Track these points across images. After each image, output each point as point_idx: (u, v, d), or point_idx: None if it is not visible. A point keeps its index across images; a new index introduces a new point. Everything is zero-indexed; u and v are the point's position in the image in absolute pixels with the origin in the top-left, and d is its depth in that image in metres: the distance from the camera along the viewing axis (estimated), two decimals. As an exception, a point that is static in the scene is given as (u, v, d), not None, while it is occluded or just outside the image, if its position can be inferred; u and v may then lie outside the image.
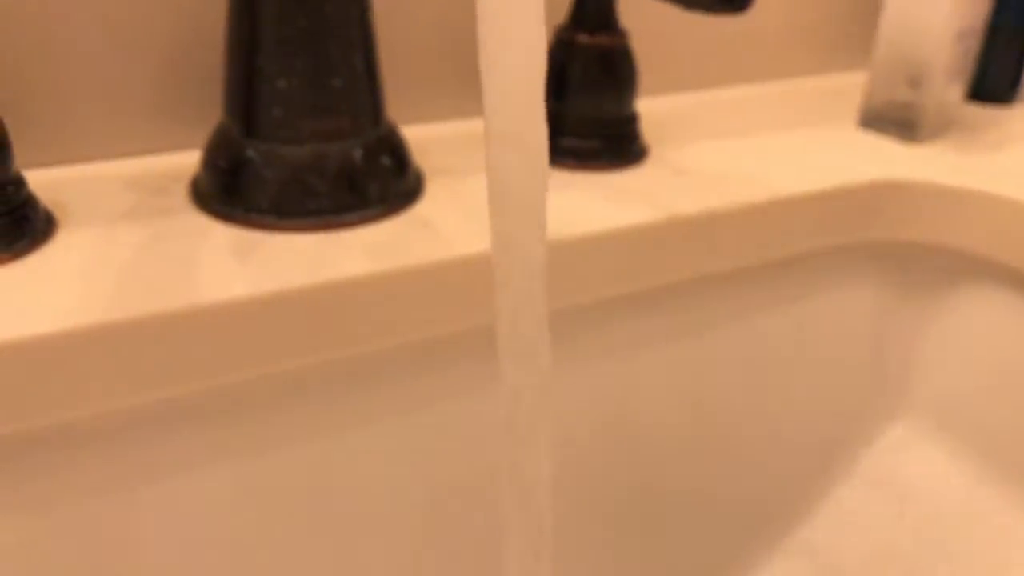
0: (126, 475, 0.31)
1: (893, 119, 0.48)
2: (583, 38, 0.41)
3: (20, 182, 0.32)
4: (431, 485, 0.38)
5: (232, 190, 0.35)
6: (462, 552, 0.40)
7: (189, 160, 0.38)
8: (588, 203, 0.38)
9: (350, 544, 0.37)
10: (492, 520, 0.38)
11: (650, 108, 0.48)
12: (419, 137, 0.42)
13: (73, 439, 0.30)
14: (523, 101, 0.20)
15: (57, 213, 0.34)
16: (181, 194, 0.36)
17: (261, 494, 0.34)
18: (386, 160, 0.36)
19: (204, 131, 0.37)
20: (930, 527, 0.45)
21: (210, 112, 0.38)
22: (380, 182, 0.35)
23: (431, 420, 0.37)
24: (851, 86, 0.54)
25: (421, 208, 0.37)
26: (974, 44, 0.49)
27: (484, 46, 0.19)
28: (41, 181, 0.35)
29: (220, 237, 0.33)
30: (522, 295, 0.21)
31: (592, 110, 0.41)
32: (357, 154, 0.35)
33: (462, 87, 0.45)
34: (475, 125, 0.46)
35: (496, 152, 0.20)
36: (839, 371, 0.47)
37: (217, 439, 0.32)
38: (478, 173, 0.40)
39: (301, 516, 0.35)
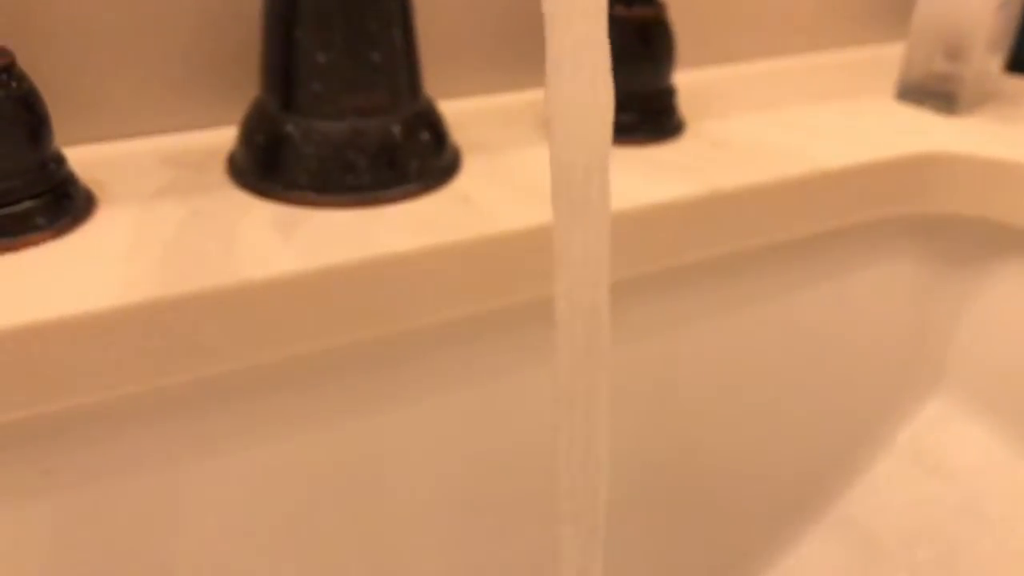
0: (171, 452, 0.31)
1: (931, 91, 0.48)
2: (620, 10, 0.40)
3: (60, 159, 0.32)
4: (477, 460, 0.38)
5: (271, 166, 0.34)
6: (507, 527, 0.39)
7: (223, 136, 0.38)
8: (626, 178, 0.38)
9: (394, 520, 0.37)
10: (539, 496, 0.38)
11: (686, 81, 0.47)
12: (454, 112, 0.41)
13: (119, 416, 0.30)
14: (588, 74, 0.19)
15: (95, 190, 0.34)
16: (218, 170, 0.36)
17: (305, 471, 0.34)
18: (425, 135, 0.36)
19: (236, 107, 0.37)
20: (970, 502, 0.45)
21: (242, 88, 0.38)
22: (419, 158, 0.35)
23: (475, 395, 0.36)
24: (889, 58, 0.53)
25: (460, 183, 0.36)
26: (1015, 13, 0.48)
27: (549, 20, 0.19)
28: (76, 158, 0.35)
29: (260, 213, 0.33)
30: (584, 273, 0.20)
31: (629, 83, 0.41)
32: (396, 129, 0.35)
33: (496, 62, 0.45)
34: (509, 99, 0.45)
35: (559, 124, 0.20)
36: (879, 345, 0.47)
37: (262, 415, 0.32)
38: (515, 148, 0.40)
39: (345, 492, 0.35)
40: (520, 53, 0.45)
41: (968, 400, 0.47)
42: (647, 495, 0.43)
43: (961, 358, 0.47)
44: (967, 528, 0.45)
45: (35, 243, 0.30)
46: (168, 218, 0.32)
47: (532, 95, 0.46)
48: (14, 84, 0.30)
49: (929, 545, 0.45)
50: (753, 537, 0.46)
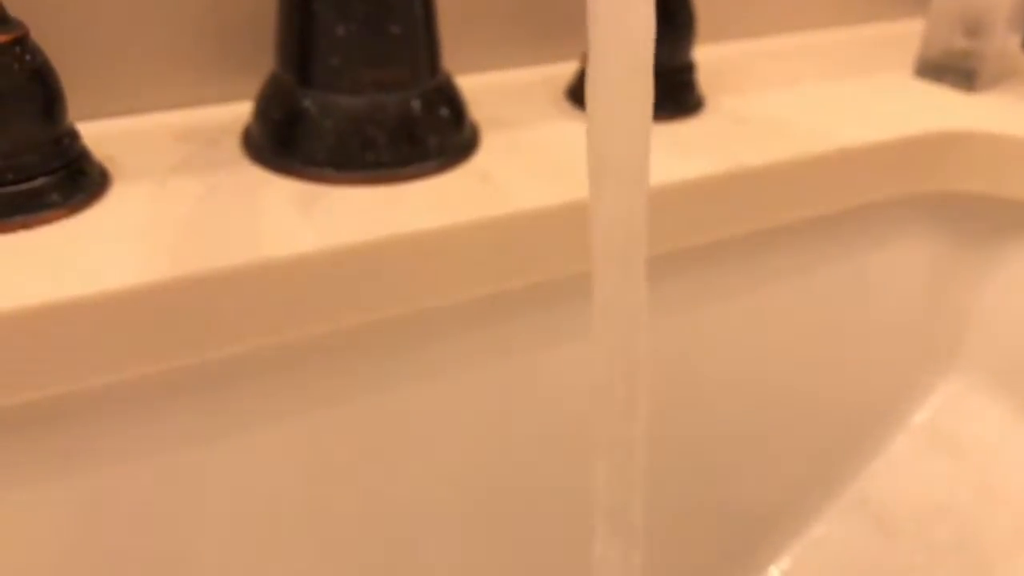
0: (191, 432, 0.31)
1: (951, 68, 0.47)
2: (640, -17, 0.39)
3: (75, 134, 0.31)
4: (500, 440, 0.37)
5: (288, 142, 0.34)
6: (529, 507, 0.39)
7: (237, 111, 0.37)
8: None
9: (416, 501, 0.37)
10: (562, 474, 0.38)
11: (703, 56, 0.46)
12: (470, 88, 0.40)
13: (138, 396, 0.30)
14: (631, 50, 0.19)
15: (109, 166, 0.33)
16: (233, 146, 0.35)
17: (325, 451, 0.34)
18: (444, 111, 0.35)
19: (250, 82, 0.36)
20: (985, 481, 0.45)
21: (257, 63, 0.37)
22: (439, 134, 0.35)
23: (495, 375, 0.36)
24: (908, 34, 0.53)
25: (479, 161, 0.36)
26: (1036, -11, 0.48)
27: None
28: (88, 134, 0.35)
29: (278, 190, 0.33)
30: (622, 248, 0.20)
31: (649, 58, 0.40)
32: (415, 105, 0.34)
33: (512, 36, 0.44)
34: (524, 75, 0.44)
35: (600, 105, 0.19)
36: (896, 323, 0.47)
37: (281, 395, 0.32)
38: (534, 124, 0.39)
39: (365, 472, 0.35)
40: (537, 27, 0.44)
41: (984, 379, 0.47)
42: (664, 471, 0.42)
43: (977, 337, 0.47)
44: (983, 507, 0.45)
45: (49, 220, 0.29)
46: (184, 195, 0.32)
47: (549, 70, 0.45)
48: (28, 58, 0.29)
49: (945, 524, 0.45)
50: (769, 515, 0.46)
